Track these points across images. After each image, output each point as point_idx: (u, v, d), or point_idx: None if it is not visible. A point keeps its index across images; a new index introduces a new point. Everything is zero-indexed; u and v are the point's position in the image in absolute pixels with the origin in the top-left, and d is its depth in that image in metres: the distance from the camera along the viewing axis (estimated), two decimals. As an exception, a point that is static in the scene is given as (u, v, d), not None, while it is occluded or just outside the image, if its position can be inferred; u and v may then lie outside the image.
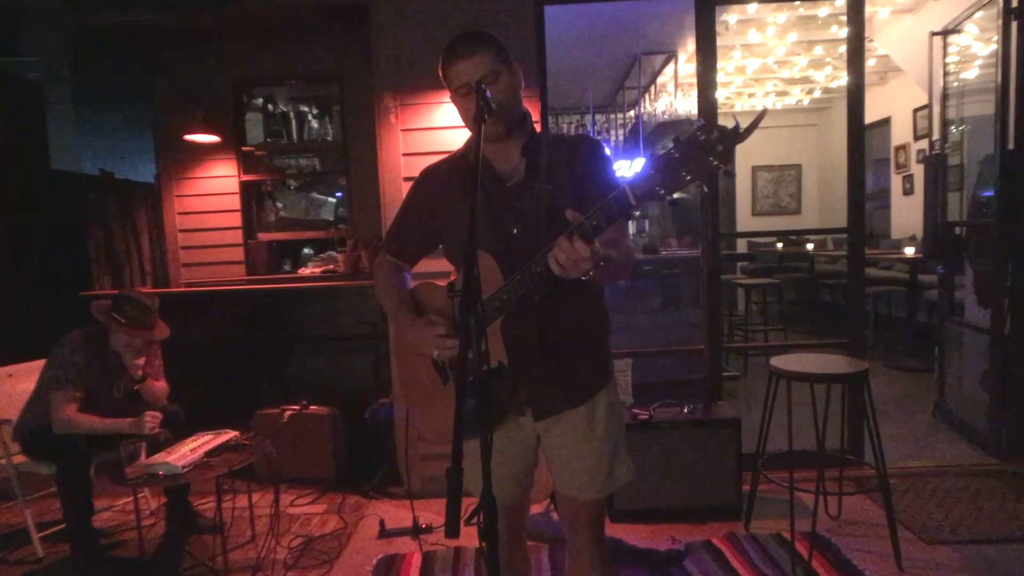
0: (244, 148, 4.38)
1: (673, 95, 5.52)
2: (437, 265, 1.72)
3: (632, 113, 6.72)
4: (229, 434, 2.65)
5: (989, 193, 3.37)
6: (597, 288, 1.56)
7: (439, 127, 2.96)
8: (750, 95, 7.55)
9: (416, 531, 2.74)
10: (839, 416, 2.75)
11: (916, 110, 6.47)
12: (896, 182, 6.98)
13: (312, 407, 3.33)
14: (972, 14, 3.40)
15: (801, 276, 7.16)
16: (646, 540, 2.56)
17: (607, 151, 1.55)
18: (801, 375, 2.32)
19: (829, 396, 2.44)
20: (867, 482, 2.96)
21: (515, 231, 1.45)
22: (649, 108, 5.84)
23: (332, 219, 6.18)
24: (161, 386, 2.81)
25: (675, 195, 1.07)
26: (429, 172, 1.60)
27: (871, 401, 2.33)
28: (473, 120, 1.27)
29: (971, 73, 3.81)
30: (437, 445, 1.62)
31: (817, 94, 7.62)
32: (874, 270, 6.14)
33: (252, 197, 4.51)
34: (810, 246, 7.22)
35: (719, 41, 5.15)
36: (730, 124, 1.03)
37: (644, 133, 5.83)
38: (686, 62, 5.67)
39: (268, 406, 3.33)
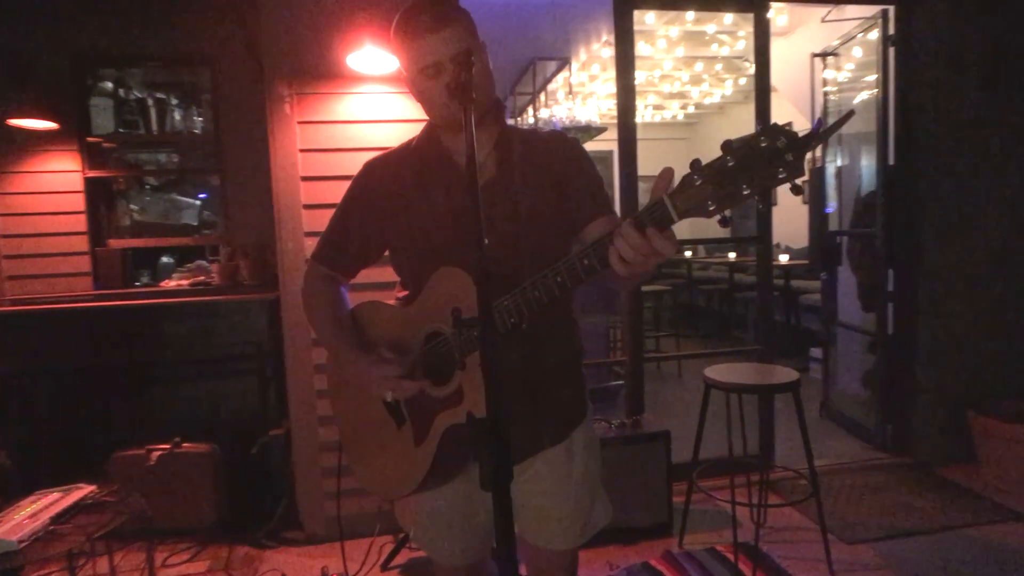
0: (90, 139, 3.68)
1: (572, 102, 5.50)
2: (380, 275, 1.44)
3: (523, 119, 6.66)
4: (83, 490, 2.13)
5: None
6: (570, 306, 1.38)
7: (344, 120, 2.62)
8: (631, 107, 7.80)
9: (325, 584, 2.38)
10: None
11: (779, 128, 7.02)
12: (761, 194, 7.51)
13: (186, 444, 2.81)
14: (851, 38, 3.65)
15: (680, 283, 7.51)
16: (583, 568, 2.39)
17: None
18: (740, 387, 2.28)
19: (770, 406, 2.44)
20: (778, 485, 3.05)
21: (486, 241, 1.21)
22: (544, 115, 5.78)
23: (196, 224, 5.48)
24: (-17, 434, 2.21)
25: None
26: (374, 167, 1.32)
27: (797, 409, 2.36)
28: (456, 97, 1.00)
29: (848, 95, 4.12)
30: (358, 483, 1.37)
31: (691, 109, 8.06)
32: (745, 276, 6.56)
33: (100, 197, 3.81)
34: (688, 253, 7.58)
35: (609, 51, 5.22)
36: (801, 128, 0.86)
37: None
38: (579, 70, 5.69)
39: (130, 446, 2.77)
